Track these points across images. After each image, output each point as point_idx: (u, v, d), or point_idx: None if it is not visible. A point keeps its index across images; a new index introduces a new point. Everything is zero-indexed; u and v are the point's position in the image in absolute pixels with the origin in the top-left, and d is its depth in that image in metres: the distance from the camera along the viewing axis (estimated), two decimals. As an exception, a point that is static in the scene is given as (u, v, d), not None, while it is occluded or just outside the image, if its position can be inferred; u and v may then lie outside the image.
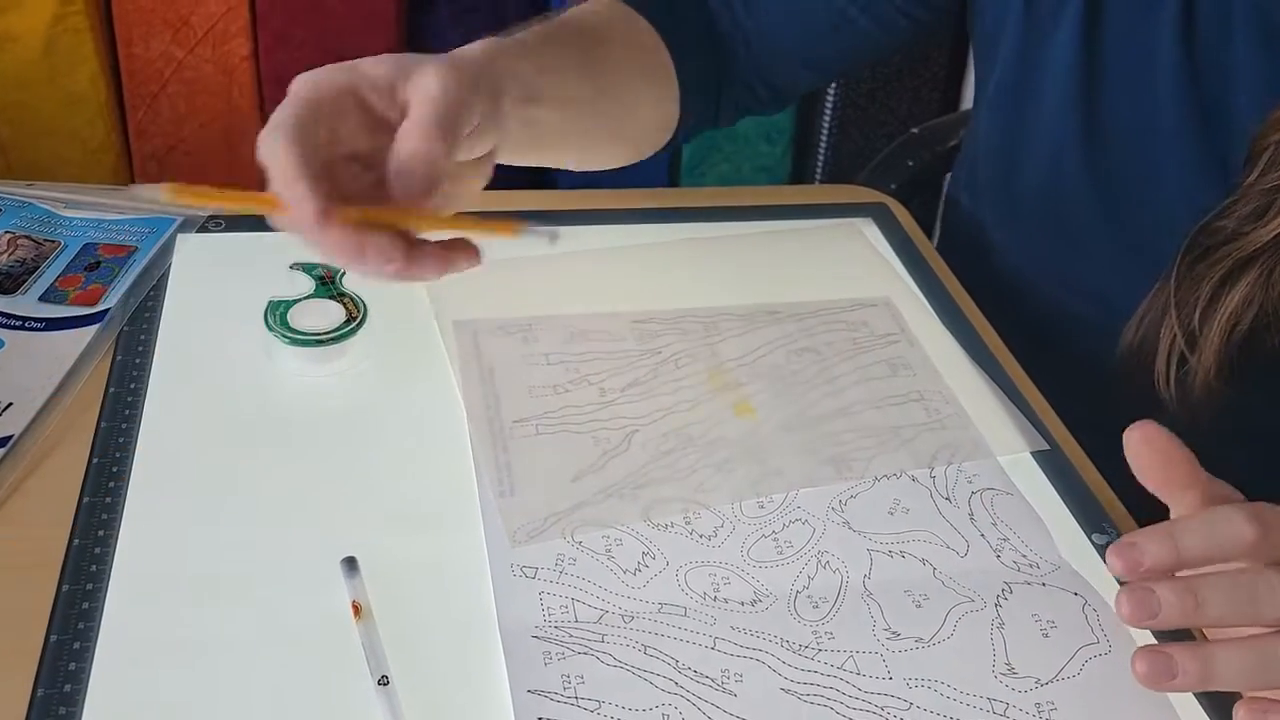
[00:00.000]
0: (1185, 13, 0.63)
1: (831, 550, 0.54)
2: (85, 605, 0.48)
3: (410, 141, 0.46)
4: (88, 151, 1.34)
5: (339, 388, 0.60)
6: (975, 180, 0.81)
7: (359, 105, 0.48)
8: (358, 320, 0.62)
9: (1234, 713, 0.44)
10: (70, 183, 0.74)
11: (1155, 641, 0.50)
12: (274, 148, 0.45)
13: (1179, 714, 0.48)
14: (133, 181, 1.38)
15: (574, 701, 0.46)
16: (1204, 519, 0.42)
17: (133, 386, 0.59)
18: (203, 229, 0.70)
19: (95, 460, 0.54)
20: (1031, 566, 0.54)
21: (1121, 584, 0.42)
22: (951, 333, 0.68)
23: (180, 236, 0.69)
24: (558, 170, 0.68)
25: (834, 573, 0.53)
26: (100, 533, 0.51)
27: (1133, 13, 0.65)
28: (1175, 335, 0.60)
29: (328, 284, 0.65)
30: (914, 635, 0.50)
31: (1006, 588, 0.53)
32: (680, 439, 0.59)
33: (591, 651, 0.48)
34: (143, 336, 0.62)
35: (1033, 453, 0.60)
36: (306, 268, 0.66)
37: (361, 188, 0.49)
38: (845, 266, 0.73)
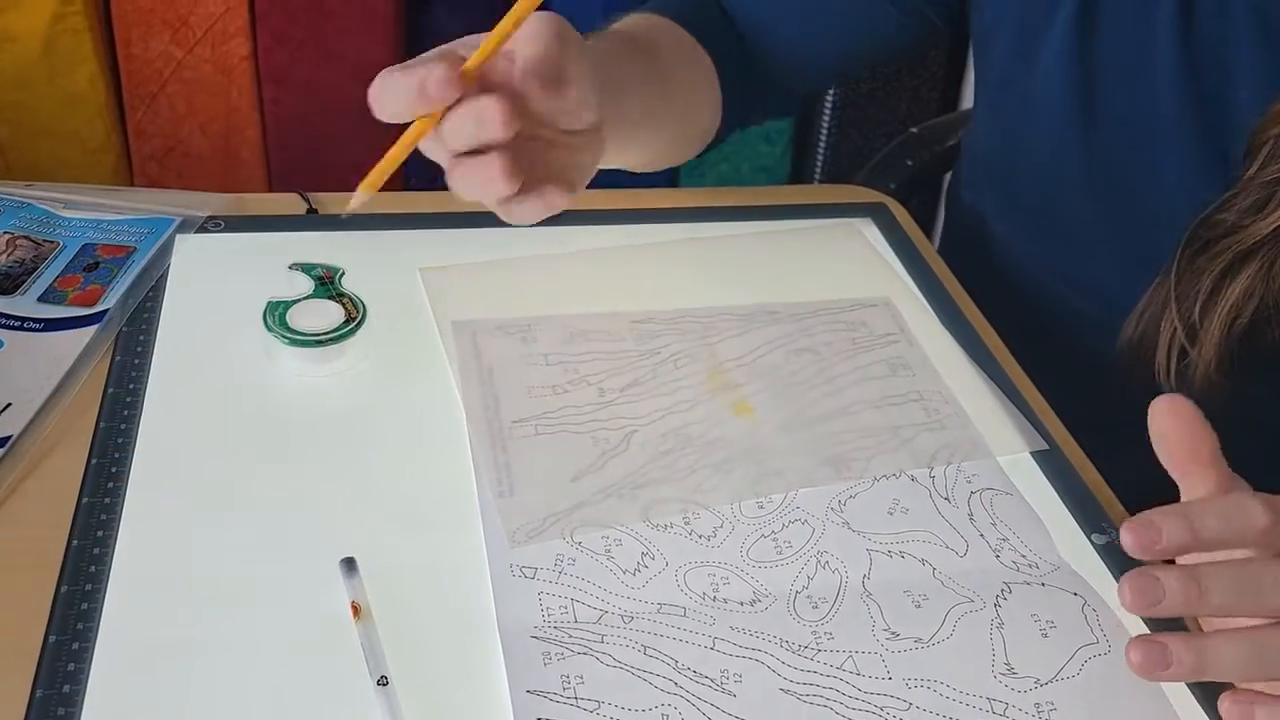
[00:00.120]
0: (1183, 8, 0.63)
1: (831, 550, 0.54)
2: (84, 606, 0.48)
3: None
4: (87, 152, 1.34)
5: (338, 388, 0.60)
6: (976, 177, 0.81)
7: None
8: (357, 320, 0.62)
9: (1219, 702, 0.43)
10: (69, 183, 0.74)
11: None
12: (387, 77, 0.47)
13: (1178, 714, 0.48)
14: (132, 182, 1.38)
15: (573, 702, 0.46)
16: (1221, 503, 0.42)
17: (131, 387, 0.59)
18: (201, 229, 0.70)
19: (94, 461, 0.54)
20: (1031, 566, 0.54)
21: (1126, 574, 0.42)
22: (951, 333, 0.68)
23: (179, 237, 0.69)
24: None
25: (833, 573, 0.53)
26: (99, 533, 0.51)
27: (1128, 8, 0.65)
28: (1176, 328, 0.60)
29: (327, 284, 0.65)
30: (913, 635, 0.50)
31: (1006, 588, 0.53)
32: (679, 439, 0.59)
33: (591, 652, 0.48)
34: (141, 337, 0.62)
35: (1032, 453, 0.60)
36: (306, 268, 0.66)
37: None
38: (844, 266, 0.73)
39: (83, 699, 0.44)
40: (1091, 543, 0.55)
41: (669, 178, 1.54)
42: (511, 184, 0.50)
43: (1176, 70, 0.64)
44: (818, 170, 1.60)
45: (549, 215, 0.54)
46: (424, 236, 0.71)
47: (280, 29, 1.33)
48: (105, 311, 0.63)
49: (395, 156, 0.49)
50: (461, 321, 0.65)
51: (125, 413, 0.57)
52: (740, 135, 1.55)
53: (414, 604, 0.49)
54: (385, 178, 0.50)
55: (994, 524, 0.56)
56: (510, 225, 0.72)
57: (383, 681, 0.46)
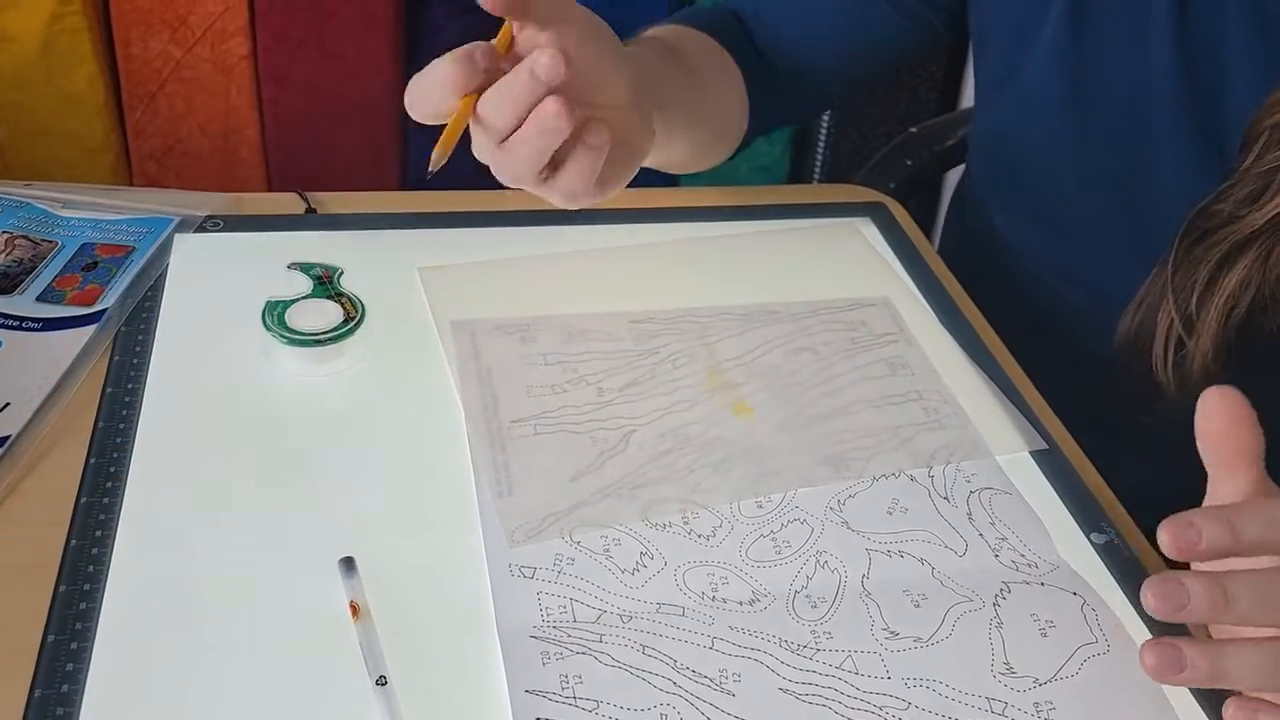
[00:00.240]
0: (1179, 2, 0.63)
1: (830, 550, 0.54)
2: (83, 606, 0.48)
3: None
4: (86, 151, 1.34)
5: (337, 388, 0.60)
6: (979, 174, 0.81)
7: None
8: (355, 320, 0.62)
9: (1224, 709, 0.43)
10: (68, 182, 0.74)
11: (1148, 637, 0.50)
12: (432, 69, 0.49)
13: (1177, 714, 0.48)
14: (130, 181, 1.38)
15: (572, 701, 0.46)
16: (1264, 506, 0.41)
17: (130, 387, 0.59)
18: (200, 229, 0.70)
19: (93, 460, 0.54)
20: (1030, 566, 0.54)
21: (1141, 578, 0.42)
22: (950, 332, 0.68)
23: (178, 236, 0.69)
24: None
25: (832, 572, 0.53)
26: (98, 533, 0.51)
27: (1121, 3, 0.66)
28: (1173, 319, 0.60)
29: (325, 284, 0.65)
30: (912, 635, 0.50)
31: (1005, 587, 0.53)
32: (678, 439, 0.59)
33: (590, 651, 0.48)
34: (140, 337, 0.62)
35: (1031, 452, 0.60)
36: (304, 268, 0.66)
37: None
38: (843, 266, 0.73)
39: (81, 699, 0.44)
40: (1091, 542, 0.55)
41: (668, 177, 1.54)
42: (571, 119, 0.49)
43: (1172, 64, 0.64)
44: (817, 170, 1.60)
45: (593, 179, 0.53)
46: (423, 236, 0.71)
47: (280, 28, 1.33)
48: (104, 311, 0.63)
49: (456, 127, 0.50)
50: (460, 321, 0.65)
51: (124, 412, 0.57)
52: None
53: (413, 604, 0.49)
54: (453, 143, 0.50)
55: (993, 523, 0.56)
56: (510, 225, 0.73)
57: (381, 681, 0.46)
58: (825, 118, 1.56)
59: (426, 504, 0.54)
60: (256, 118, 1.38)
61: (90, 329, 0.62)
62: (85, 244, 0.68)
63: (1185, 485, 0.46)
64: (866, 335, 0.67)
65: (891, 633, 0.50)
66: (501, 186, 0.61)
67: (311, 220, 0.72)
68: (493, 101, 0.50)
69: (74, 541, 0.50)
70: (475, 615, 0.49)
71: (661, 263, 0.71)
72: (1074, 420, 0.63)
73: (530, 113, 0.49)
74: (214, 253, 0.69)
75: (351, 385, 0.61)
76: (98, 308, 0.63)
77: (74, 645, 0.46)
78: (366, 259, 0.68)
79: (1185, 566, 0.42)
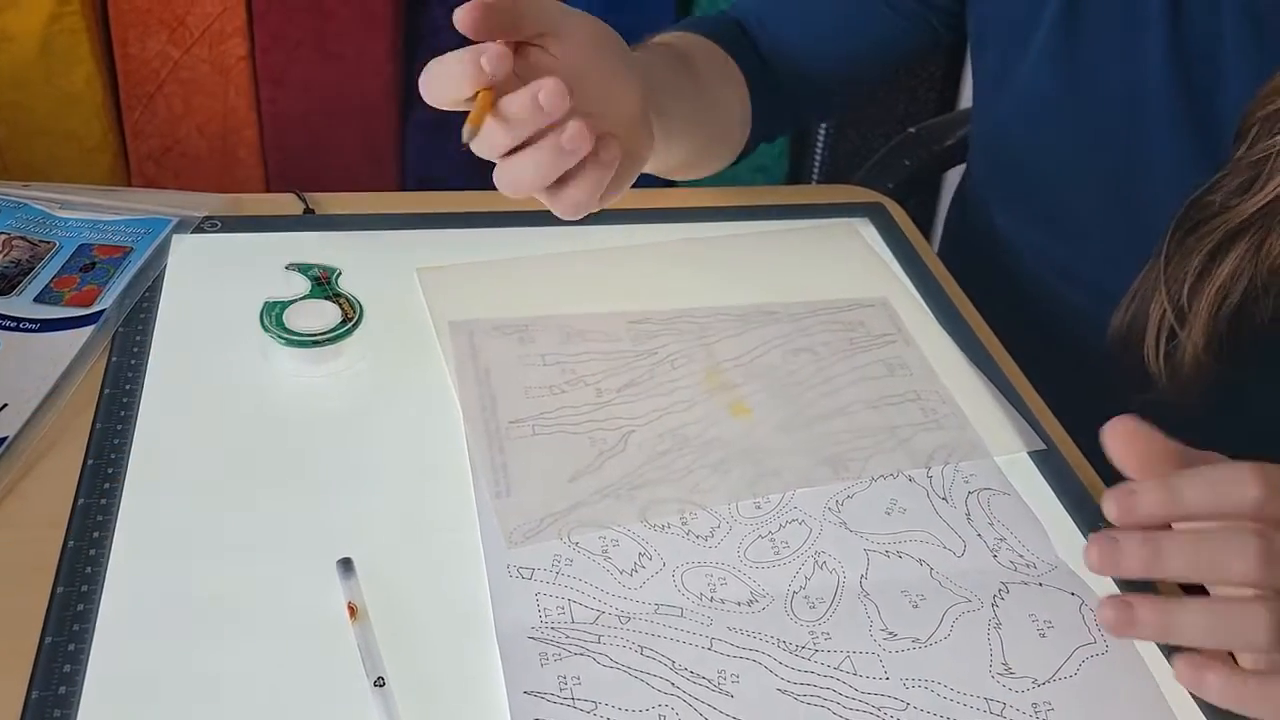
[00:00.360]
0: (1173, 1, 0.63)
1: (828, 550, 0.54)
2: (80, 607, 0.47)
3: None
4: (84, 151, 1.34)
5: (335, 388, 0.60)
6: (977, 174, 0.82)
7: None
8: (354, 321, 0.62)
9: (1173, 665, 0.43)
10: (66, 183, 0.74)
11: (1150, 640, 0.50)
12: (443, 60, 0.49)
13: (1176, 714, 0.48)
14: (129, 182, 1.38)
15: (570, 703, 0.46)
16: (1207, 472, 0.41)
17: (128, 388, 0.59)
18: (198, 229, 0.70)
19: (90, 462, 0.54)
20: (1028, 566, 0.54)
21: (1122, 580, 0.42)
22: (948, 333, 0.68)
23: (175, 237, 0.69)
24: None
25: (831, 573, 0.53)
26: (95, 534, 0.51)
27: (1116, 2, 0.66)
28: (1165, 310, 0.61)
29: (323, 284, 0.65)
30: (911, 635, 0.50)
31: (1003, 588, 0.53)
32: (677, 439, 0.59)
33: (588, 652, 0.48)
34: (138, 338, 0.62)
35: (1030, 452, 0.60)
36: (302, 268, 0.66)
37: None
38: (842, 266, 0.73)
39: (78, 701, 0.44)
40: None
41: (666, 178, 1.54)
42: (591, 141, 0.50)
43: (1166, 63, 0.64)
44: (815, 170, 1.60)
45: (599, 193, 0.53)
46: (421, 237, 0.71)
47: (278, 29, 1.33)
48: (102, 312, 0.63)
49: (480, 114, 0.50)
50: (459, 322, 0.65)
51: (121, 413, 0.57)
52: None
53: (411, 605, 0.49)
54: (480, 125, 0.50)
55: (991, 524, 0.56)
56: (508, 226, 0.73)
57: (379, 683, 0.45)
58: (824, 118, 1.56)
59: (425, 505, 0.54)
60: (254, 118, 1.38)
61: (88, 330, 0.61)
62: (83, 245, 0.68)
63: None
64: (865, 336, 0.67)
65: (890, 633, 0.50)
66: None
67: (309, 221, 0.72)
68: (499, 121, 0.50)
69: (71, 543, 0.50)
70: (473, 616, 0.49)
71: (660, 263, 0.71)
72: (1073, 420, 0.63)
73: (534, 132, 0.50)
74: (212, 253, 0.69)
75: (349, 386, 0.61)
76: (95, 308, 0.63)
77: (71, 647, 0.46)
78: (364, 259, 0.68)
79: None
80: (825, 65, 0.79)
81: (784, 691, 0.47)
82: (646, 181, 0.77)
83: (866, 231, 0.77)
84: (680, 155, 0.69)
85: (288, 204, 0.73)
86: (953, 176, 0.96)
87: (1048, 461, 0.60)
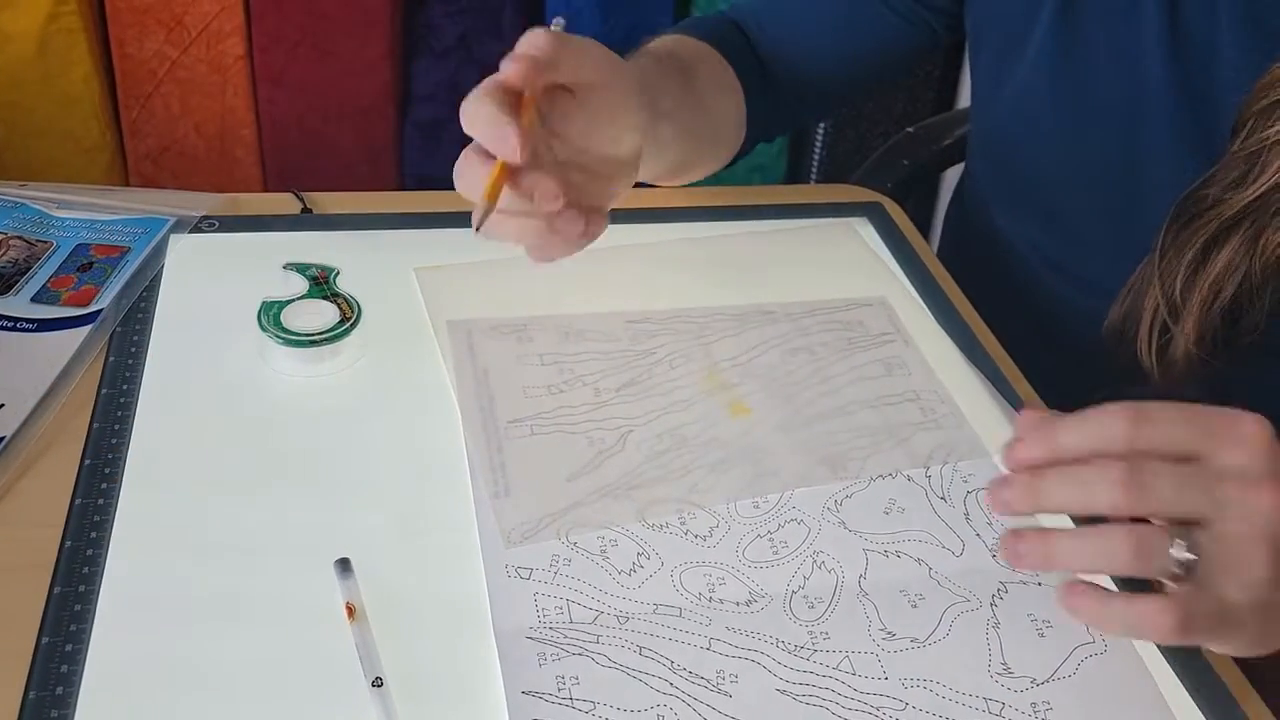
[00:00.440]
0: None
1: (827, 550, 0.54)
2: (77, 607, 0.47)
3: (527, 33, 0.53)
4: (82, 151, 1.34)
5: (333, 388, 0.60)
6: (976, 173, 0.82)
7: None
8: (351, 321, 0.62)
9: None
10: (63, 183, 0.74)
11: (1146, 641, 0.50)
12: (476, 101, 0.52)
13: (1174, 713, 0.48)
14: (126, 181, 1.38)
15: (568, 703, 0.46)
16: (1082, 415, 0.44)
17: (125, 388, 0.58)
18: (196, 229, 0.70)
19: (87, 462, 0.54)
20: (1027, 566, 0.54)
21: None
22: (947, 332, 0.68)
23: (173, 237, 0.69)
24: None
25: (829, 573, 0.53)
26: (93, 534, 0.51)
27: (1112, 1, 0.66)
28: (1159, 304, 0.61)
29: (321, 284, 0.64)
30: (909, 635, 0.50)
31: (1002, 587, 0.52)
32: (675, 439, 0.59)
33: (586, 653, 0.48)
34: (135, 337, 0.62)
35: (1028, 452, 0.60)
36: (300, 268, 0.66)
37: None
38: (840, 266, 0.73)
39: (75, 701, 0.44)
40: (1088, 542, 0.55)
41: (665, 177, 1.54)
42: (580, 222, 0.54)
43: (1163, 62, 0.64)
44: (814, 170, 1.60)
45: (584, 244, 0.56)
46: (419, 236, 0.71)
47: (276, 29, 1.33)
48: (99, 312, 0.63)
49: (495, 188, 0.52)
50: (457, 321, 0.65)
51: (119, 413, 0.57)
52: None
53: (409, 605, 0.49)
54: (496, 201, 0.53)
55: (990, 523, 0.56)
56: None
57: (377, 683, 0.45)
58: (822, 117, 1.56)
59: (422, 505, 0.54)
60: (252, 118, 1.38)
61: (85, 330, 0.61)
62: (80, 244, 0.68)
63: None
64: (863, 335, 0.67)
65: (889, 633, 0.50)
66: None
67: (307, 220, 0.72)
68: (510, 202, 0.53)
69: (69, 543, 0.50)
70: (471, 616, 0.49)
71: (658, 263, 0.71)
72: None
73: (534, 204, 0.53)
74: (209, 253, 0.68)
75: (347, 386, 0.60)
76: (93, 308, 0.63)
77: (68, 647, 0.46)
78: (362, 259, 0.67)
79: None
80: (824, 66, 0.79)
81: (783, 691, 0.47)
82: (644, 182, 0.77)
83: (865, 231, 0.77)
84: (670, 163, 0.68)
85: (285, 203, 0.73)
86: (951, 176, 0.96)
87: (1046, 461, 0.60)
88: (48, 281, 0.65)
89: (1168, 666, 0.50)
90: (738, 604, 0.51)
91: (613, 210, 0.76)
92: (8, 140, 1.29)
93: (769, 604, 0.51)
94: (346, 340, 0.61)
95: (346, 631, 0.47)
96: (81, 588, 0.48)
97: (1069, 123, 0.70)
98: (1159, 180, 0.67)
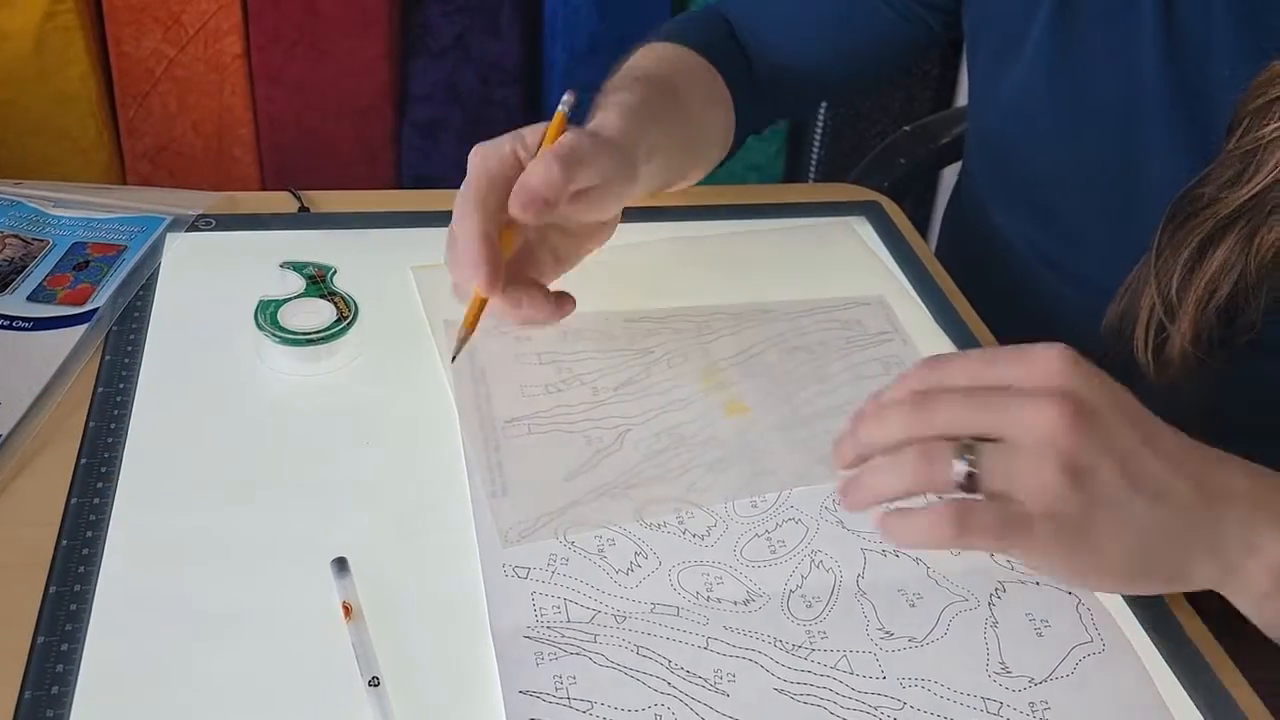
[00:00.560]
0: None
1: (825, 549, 0.54)
2: (73, 607, 0.47)
3: (535, 166, 0.54)
4: (78, 150, 1.33)
5: (329, 387, 0.60)
6: (974, 171, 0.82)
7: (520, 167, 0.56)
8: (348, 319, 0.61)
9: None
10: (59, 181, 0.74)
11: (1146, 639, 0.50)
12: (463, 224, 0.54)
13: (1172, 713, 0.48)
14: (124, 180, 1.38)
15: (566, 702, 0.45)
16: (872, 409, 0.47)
17: (121, 386, 0.58)
18: (193, 228, 0.70)
19: (83, 461, 0.54)
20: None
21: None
22: (945, 331, 0.68)
23: (169, 235, 0.68)
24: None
25: (827, 572, 0.52)
26: (89, 534, 0.50)
27: (1108, 1, 0.66)
28: (1155, 303, 0.61)
29: (318, 283, 0.64)
30: (907, 635, 0.50)
31: (1000, 586, 0.52)
32: (673, 438, 0.59)
33: (584, 652, 0.48)
34: (132, 336, 0.62)
35: (1026, 451, 0.60)
36: (297, 266, 0.65)
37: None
38: (838, 265, 0.73)
39: (71, 701, 0.44)
40: (1086, 541, 0.55)
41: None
42: (555, 318, 0.58)
43: (1159, 61, 0.64)
44: (812, 169, 1.60)
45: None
46: (416, 235, 0.71)
47: (273, 28, 1.33)
48: (95, 310, 0.62)
49: (472, 321, 0.56)
50: (454, 320, 0.64)
51: (115, 412, 0.57)
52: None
53: (406, 604, 0.49)
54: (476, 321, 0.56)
55: (988, 523, 0.56)
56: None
57: (374, 682, 0.45)
58: (820, 117, 1.56)
59: (419, 504, 0.54)
60: (250, 117, 1.38)
61: (81, 328, 0.61)
62: (76, 243, 0.67)
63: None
64: (861, 334, 0.67)
65: (886, 632, 0.50)
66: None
67: (304, 219, 0.72)
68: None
69: (65, 542, 0.50)
70: (468, 616, 0.49)
71: (656, 262, 0.71)
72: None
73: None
74: (206, 252, 0.68)
75: (344, 385, 0.60)
76: (89, 307, 0.63)
77: (64, 647, 0.46)
78: (359, 258, 0.67)
79: None
80: (818, 63, 0.79)
81: (781, 691, 0.47)
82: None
83: (863, 230, 0.77)
84: (655, 189, 0.69)
85: (283, 202, 0.73)
86: (949, 174, 0.96)
87: (1044, 460, 0.60)
88: (44, 280, 0.64)
89: (1166, 666, 0.50)
90: (735, 603, 0.51)
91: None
92: (4, 139, 1.29)
93: (767, 603, 0.51)
94: (343, 339, 0.61)
95: (343, 631, 0.47)
96: (77, 587, 0.48)
97: (1066, 122, 0.70)
98: (1156, 179, 0.67)
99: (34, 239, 0.67)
